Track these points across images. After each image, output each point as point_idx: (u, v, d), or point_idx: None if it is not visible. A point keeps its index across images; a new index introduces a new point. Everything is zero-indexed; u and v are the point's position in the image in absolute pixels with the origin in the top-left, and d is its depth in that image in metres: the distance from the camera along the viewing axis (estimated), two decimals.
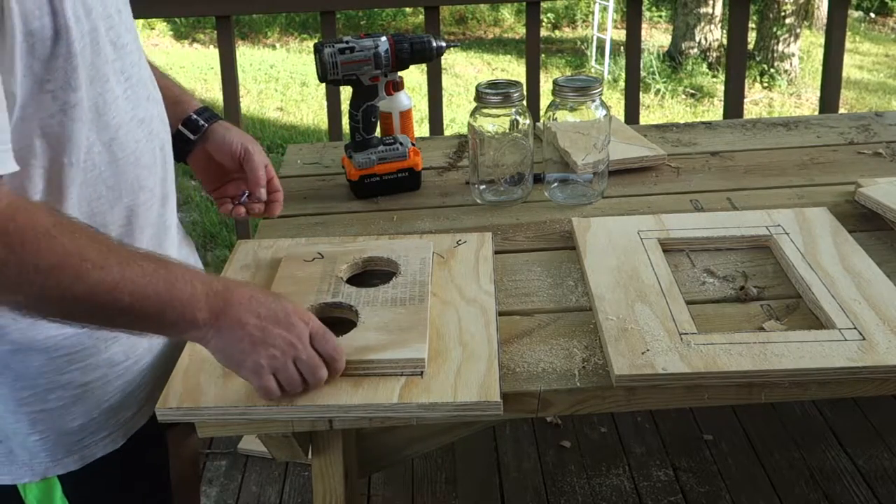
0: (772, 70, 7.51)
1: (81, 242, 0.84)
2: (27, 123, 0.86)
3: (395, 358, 0.97)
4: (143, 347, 1.04)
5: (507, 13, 9.72)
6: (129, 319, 0.88)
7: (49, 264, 0.81)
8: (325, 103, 2.41)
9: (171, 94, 1.18)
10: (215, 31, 2.42)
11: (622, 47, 5.73)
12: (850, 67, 7.56)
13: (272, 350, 0.91)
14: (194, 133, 1.19)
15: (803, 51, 7.98)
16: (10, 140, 0.82)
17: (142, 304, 0.86)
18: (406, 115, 1.58)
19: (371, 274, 1.19)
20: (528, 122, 1.41)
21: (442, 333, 1.03)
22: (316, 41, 1.47)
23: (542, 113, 1.52)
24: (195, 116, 1.19)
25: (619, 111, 2.21)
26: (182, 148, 1.19)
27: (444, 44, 1.46)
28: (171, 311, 0.88)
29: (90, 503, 1.06)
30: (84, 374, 0.98)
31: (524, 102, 1.41)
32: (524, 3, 2.41)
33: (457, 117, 5.99)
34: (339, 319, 1.08)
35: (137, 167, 0.99)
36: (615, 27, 8.08)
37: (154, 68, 1.15)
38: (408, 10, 8.94)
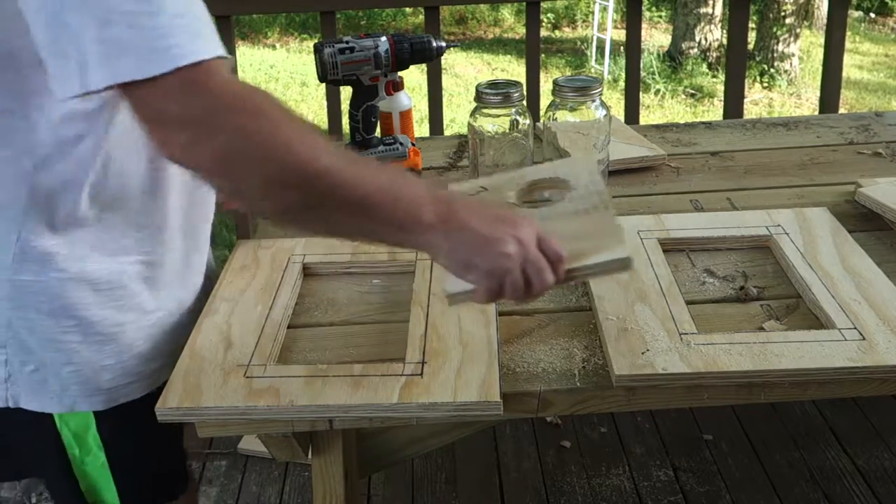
0: (772, 70, 7.51)
1: (306, 128, 0.83)
2: None
3: (600, 261, 0.93)
4: (173, 300, 1.07)
5: (507, 13, 9.72)
6: (356, 214, 0.84)
7: (276, 141, 0.79)
8: (325, 103, 2.41)
9: None
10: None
11: (622, 47, 5.73)
12: (850, 67, 7.56)
13: (504, 248, 0.87)
14: None
15: (803, 51, 7.98)
16: None
17: (374, 196, 0.83)
18: (406, 115, 1.58)
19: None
20: (528, 122, 1.41)
21: (442, 333, 1.03)
22: (316, 41, 1.47)
23: (542, 113, 1.52)
24: None
25: (619, 111, 2.21)
26: None
27: (444, 44, 1.46)
28: (400, 207, 0.85)
29: (119, 447, 1.08)
30: (119, 313, 1.00)
31: (524, 102, 1.41)
32: (524, 3, 2.41)
33: (457, 117, 5.99)
34: None
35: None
36: (615, 27, 8.08)
37: None
38: (408, 10, 8.93)
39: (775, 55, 7.55)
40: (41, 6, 0.77)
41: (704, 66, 7.73)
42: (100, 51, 0.75)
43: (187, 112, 0.77)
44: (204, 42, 0.78)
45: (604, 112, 1.38)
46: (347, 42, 1.40)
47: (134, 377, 1.04)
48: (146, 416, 1.04)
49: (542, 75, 3.30)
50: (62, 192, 0.92)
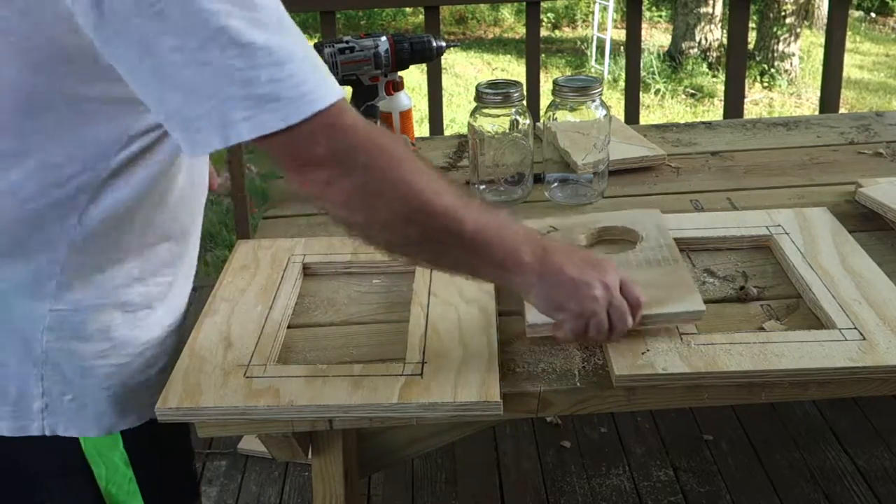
0: (772, 70, 7.51)
1: (426, 168, 0.88)
2: None
3: (675, 311, 1.01)
4: (180, 310, 1.08)
5: (507, 13, 9.72)
6: (465, 250, 0.90)
7: (401, 178, 0.85)
8: None
9: None
10: None
11: (622, 47, 5.73)
12: (850, 67, 7.56)
13: (593, 292, 0.94)
14: None
15: (803, 51, 7.98)
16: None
17: (481, 235, 0.89)
18: (406, 115, 1.58)
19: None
20: (528, 122, 1.41)
21: (442, 333, 1.03)
22: (316, 41, 1.47)
23: (542, 113, 1.52)
24: None
25: (619, 111, 2.22)
26: None
27: (444, 44, 1.46)
28: (500, 248, 0.91)
29: (144, 460, 1.09)
30: (144, 332, 1.01)
31: (524, 102, 1.41)
32: (524, 3, 2.42)
33: (457, 117, 5.99)
34: None
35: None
36: (615, 27, 8.08)
37: None
38: (408, 10, 8.94)
39: (775, 55, 7.55)
40: (160, 68, 0.78)
41: (704, 66, 7.73)
42: (244, 106, 0.78)
43: (327, 153, 0.82)
44: (332, 84, 0.83)
45: (604, 112, 1.38)
46: (347, 42, 1.40)
47: (158, 390, 1.04)
48: (168, 427, 1.05)
49: (542, 75, 3.31)
50: (112, 225, 0.94)
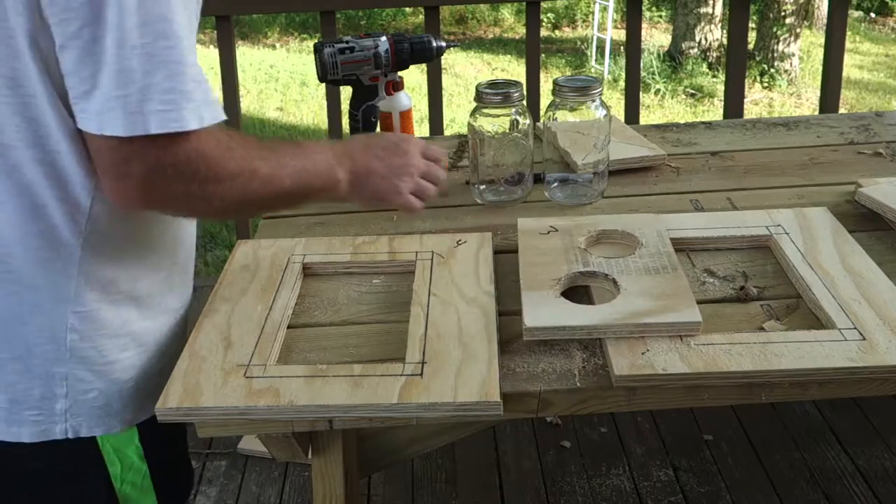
0: (772, 70, 7.51)
1: (249, 145, 0.97)
2: None
3: (672, 321, 1.02)
4: (186, 294, 1.11)
5: (507, 13, 9.72)
6: (290, 198, 1.04)
7: (231, 174, 0.93)
8: (325, 103, 2.42)
9: None
10: (215, 31, 2.42)
11: (622, 47, 5.73)
12: (850, 67, 7.56)
13: (402, 178, 1.15)
14: None
15: (803, 51, 7.98)
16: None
17: (299, 182, 1.01)
18: (406, 115, 1.58)
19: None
20: (528, 122, 1.41)
21: (442, 333, 1.03)
22: (316, 41, 1.47)
23: (542, 113, 1.52)
24: None
25: (619, 111, 2.22)
26: None
27: (444, 44, 1.46)
28: (318, 181, 1.05)
29: (156, 452, 1.10)
30: (156, 322, 1.04)
31: (524, 102, 1.41)
32: (524, 3, 2.42)
33: (457, 117, 5.99)
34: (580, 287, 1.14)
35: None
36: (615, 27, 8.08)
37: None
38: (408, 10, 8.94)
39: (775, 55, 7.55)
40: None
41: (704, 66, 7.73)
42: (164, 100, 0.84)
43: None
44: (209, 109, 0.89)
45: (604, 112, 1.38)
46: (347, 42, 1.40)
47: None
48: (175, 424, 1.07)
49: (542, 75, 3.31)
50: (119, 219, 0.96)
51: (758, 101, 7.02)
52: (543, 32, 8.80)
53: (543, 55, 7.29)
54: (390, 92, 1.47)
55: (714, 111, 6.78)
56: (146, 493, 1.10)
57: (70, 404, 0.98)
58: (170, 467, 1.14)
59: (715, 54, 7.84)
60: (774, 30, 7.52)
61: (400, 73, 1.47)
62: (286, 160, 1.00)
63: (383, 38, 1.41)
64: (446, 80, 6.59)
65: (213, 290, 1.16)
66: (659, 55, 7.83)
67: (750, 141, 1.73)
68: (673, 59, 7.89)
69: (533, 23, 2.42)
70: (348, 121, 1.48)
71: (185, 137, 0.86)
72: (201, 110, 0.87)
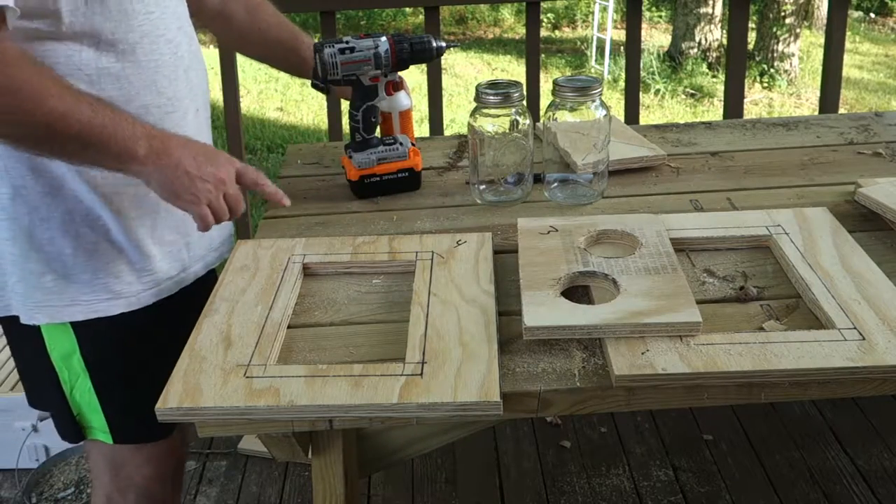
0: (772, 70, 7.51)
1: (44, 75, 1.01)
2: (58, 15, 1.06)
3: (672, 321, 1.01)
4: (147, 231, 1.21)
5: (507, 13, 9.72)
6: (78, 146, 1.04)
7: (13, 87, 0.97)
8: (325, 103, 2.41)
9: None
10: None
11: (622, 47, 5.73)
12: (850, 67, 7.56)
13: (206, 184, 1.12)
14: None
15: (803, 51, 7.98)
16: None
17: (89, 132, 1.03)
18: (406, 116, 1.58)
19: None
20: (528, 122, 1.41)
21: (442, 333, 1.04)
22: (316, 41, 1.47)
23: (542, 113, 1.52)
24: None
25: (619, 111, 2.22)
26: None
27: (444, 44, 1.46)
28: (114, 143, 1.05)
29: (104, 372, 1.22)
30: (94, 232, 1.15)
31: (524, 102, 1.41)
32: (524, 3, 2.42)
33: (457, 117, 5.99)
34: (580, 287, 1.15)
35: (156, 73, 1.17)
36: (615, 27, 8.08)
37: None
38: (408, 10, 8.93)
39: (775, 55, 7.56)
40: None
41: (704, 66, 7.74)
42: None
43: None
44: None
45: (604, 112, 1.38)
46: (347, 42, 1.40)
47: (108, 293, 1.16)
48: (129, 339, 1.17)
49: (542, 75, 3.31)
50: None
51: (758, 101, 7.02)
52: (543, 32, 8.80)
53: (543, 55, 7.29)
54: (390, 92, 1.47)
55: (714, 111, 6.78)
56: (94, 407, 1.21)
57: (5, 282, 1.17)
58: (126, 396, 1.22)
59: (715, 54, 7.84)
60: (774, 30, 7.53)
61: (400, 73, 1.47)
62: (84, 107, 1.03)
63: (383, 39, 1.41)
64: (446, 80, 6.59)
65: (214, 290, 1.16)
66: (659, 55, 7.83)
67: (750, 141, 1.73)
68: (673, 59, 7.89)
69: (533, 23, 2.42)
70: (348, 121, 1.48)
71: None
72: None
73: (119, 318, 1.19)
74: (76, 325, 1.18)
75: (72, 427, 1.25)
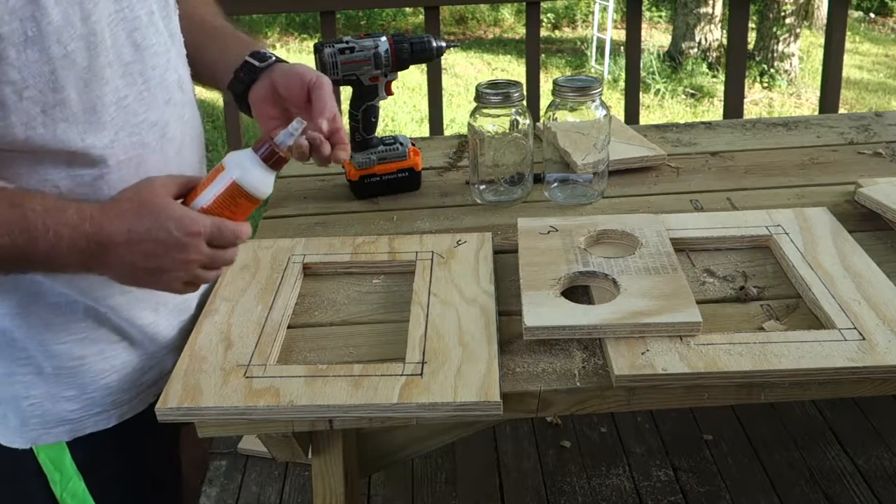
0: (772, 70, 7.51)
1: None
2: (10, 130, 0.87)
3: (672, 321, 1.01)
4: (144, 330, 1.06)
5: (507, 13, 9.72)
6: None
7: None
8: None
9: (244, 40, 1.17)
10: None
11: (622, 47, 5.73)
12: (850, 67, 7.56)
13: (171, 274, 0.92)
14: (261, 61, 1.11)
15: (803, 51, 7.98)
16: None
17: (13, 249, 0.84)
18: (246, 198, 1.06)
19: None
20: (528, 122, 1.41)
21: (442, 333, 1.03)
22: (316, 41, 1.47)
23: (542, 113, 1.52)
24: (265, 51, 1.13)
25: (619, 111, 2.22)
26: (246, 78, 1.11)
27: (444, 44, 1.46)
28: (37, 264, 0.88)
29: (98, 474, 1.08)
30: (81, 347, 1.01)
31: (524, 102, 1.41)
32: (524, 3, 2.42)
33: (457, 117, 5.99)
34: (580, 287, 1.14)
35: (140, 168, 0.98)
36: (615, 27, 8.08)
37: (230, 24, 1.19)
38: (408, 10, 8.94)
39: (775, 55, 7.56)
40: None
41: (704, 66, 7.74)
42: None
43: None
44: None
45: (604, 112, 1.38)
46: (347, 42, 1.40)
47: (101, 407, 1.05)
48: (124, 442, 1.06)
49: (542, 75, 3.31)
50: None
51: (758, 101, 7.02)
52: (543, 32, 8.81)
53: (543, 55, 7.29)
54: (390, 92, 1.47)
55: (714, 111, 6.78)
56: None
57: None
58: (123, 491, 1.12)
59: (715, 54, 7.84)
60: (774, 30, 7.53)
61: (399, 73, 1.47)
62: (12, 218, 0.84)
63: (383, 39, 1.41)
64: (446, 80, 6.59)
65: (213, 290, 1.16)
66: (659, 55, 7.83)
67: (750, 141, 1.73)
68: (673, 59, 7.89)
69: (533, 23, 2.42)
70: (348, 121, 1.48)
71: None
72: None
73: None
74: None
75: None
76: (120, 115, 0.95)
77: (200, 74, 1.16)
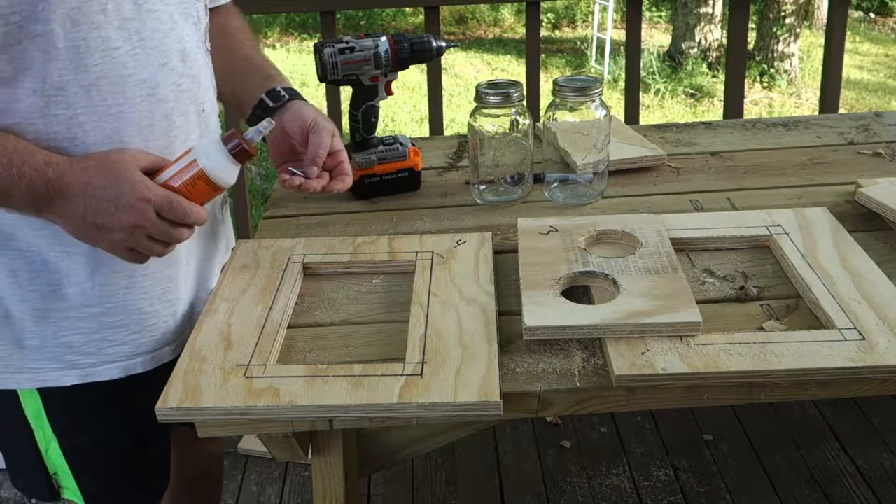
0: (772, 70, 7.51)
1: None
2: None
3: (672, 321, 1.01)
4: (119, 298, 1.09)
5: (507, 13, 9.73)
6: None
7: None
8: (325, 103, 2.41)
9: (265, 72, 1.27)
10: None
11: (622, 47, 5.73)
12: (850, 67, 7.57)
13: (116, 234, 0.96)
14: (275, 101, 1.22)
15: (803, 51, 7.99)
16: None
17: None
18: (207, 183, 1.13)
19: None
20: (528, 122, 1.41)
21: (442, 333, 1.03)
22: (316, 41, 1.47)
23: (542, 113, 1.52)
24: (280, 89, 1.23)
25: (619, 111, 2.22)
26: (261, 116, 1.20)
27: (444, 44, 1.46)
28: None
29: (72, 437, 1.12)
30: (44, 299, 1.05)
31: (524, 102, 1.41)
32: (524, 3, 2.42)
33: (457, 117, 5.99)
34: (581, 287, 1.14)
35: (120, 121, 1.01)
36: (615, 27, 8.09)
37: (256, 53, 1.30)
38: (408, 10, 8.94)
39: (775, 55, 7.56)
40: None
41: (704, 66, 7.74)
42: None
43: None
44: None
45: (604, 112, 1.38)
46: (347, 42, 1.40)
47: (62, 363, 1.08)
48: (97, 407, 1.09)
49: (542, 75, 3.31)
50: None
51: (758, 101, 7.02)
52: (543, 32, 8.81)
53: (543, 55, 7.29)
54: (390, 92, 1.47)
55: (714, 111, 6.78)
56: (66, 470, 1.13)
57: None
58: (98, 459, 1.14)
59: (715, 54, 7.85)
60: (774, 30, 7.53)
61: (395, 74, 1.47)
62: None
63: (383, 39, 1.41)
64: (446, 80, 6.59)
65: (213, 290, 1.16)
66: (659, 55, 7.83)
67: (750, 141, 1.73)
68: (673, 59, 7.90)
69: (533, 23, 2.42)
70: (348, 121, 1.48)
71: None
72: None
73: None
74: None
75: (47, 484, 1.17)
76: (106, 63, 0.98)
77: (224, 96, 1.27)
